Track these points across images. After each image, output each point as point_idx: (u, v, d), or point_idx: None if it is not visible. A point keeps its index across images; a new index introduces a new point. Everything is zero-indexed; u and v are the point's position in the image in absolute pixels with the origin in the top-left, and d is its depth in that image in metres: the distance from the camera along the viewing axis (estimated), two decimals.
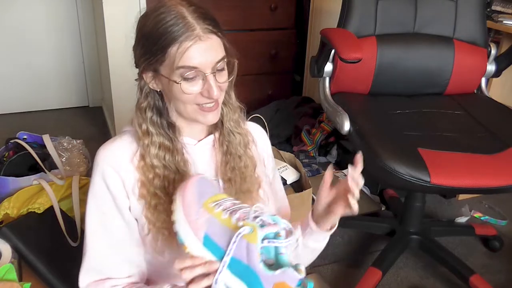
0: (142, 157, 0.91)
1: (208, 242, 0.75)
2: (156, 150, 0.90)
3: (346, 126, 1.53)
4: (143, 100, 0.92)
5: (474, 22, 1.77)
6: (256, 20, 2.70)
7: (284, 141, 2.54)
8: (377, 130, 1.50)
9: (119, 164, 0.91)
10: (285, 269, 0.71)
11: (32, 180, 1.53)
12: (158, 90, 0.91)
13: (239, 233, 0.72)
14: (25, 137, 1.69)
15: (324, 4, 2.69)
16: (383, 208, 2.10)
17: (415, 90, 1.78)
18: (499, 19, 1.95)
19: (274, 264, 0.75)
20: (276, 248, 0.75)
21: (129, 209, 0.93)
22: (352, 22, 1.71)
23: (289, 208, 1.15)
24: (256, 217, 0.75)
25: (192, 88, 0.85)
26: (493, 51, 1.80)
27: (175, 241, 0.84)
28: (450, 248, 1.79)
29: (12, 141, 1.65)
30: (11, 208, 1.43)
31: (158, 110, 0.93)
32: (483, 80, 1.83)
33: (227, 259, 0.73)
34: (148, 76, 0.89)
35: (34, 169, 1.59)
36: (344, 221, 1.89)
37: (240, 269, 0.73)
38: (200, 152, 0.97)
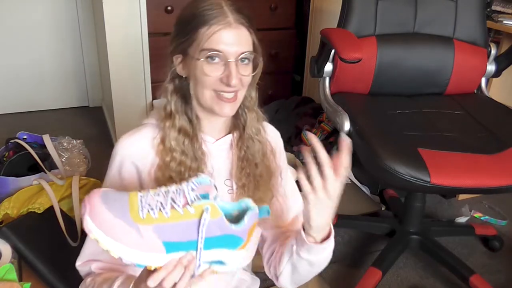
0: (162, 140, 0.93)
1: (170, 247, 0.72)
2: (176, 134, 0.92)
3: (346, 126, 1.53)
4: (169, 82, 0.93)
5: (474, 22, 1.77)
6: (256, 20, 2.69)
7: (284, 141, 2.54)
8: (377, 130, 1.50)
9: (138, 155, 0.92)
10: (247, 214, 0.74)
11: (32, 180, 1.53)
12: (184, 76, 0.92)
13: (204, 219, 0.70)
14: (25, 137, 1.69)
15: (324, 4, 2.69)
16: (383, 208, 2.10)
17: (415, 90, 1.78)
18: (499, 19, 1.95)
19: (232, 219, 0.76)
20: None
21: None
22: (352, 22, 1.71)
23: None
24: (196, 193, 0.73)
25: (213, 70, 0.86)
26: (493, 51, 1.80)
27: None
28: (450, 248, 1.79)
29: (12, 141, 1.66)
30: (11, 208, 1.43)
31: (183, 96, 0.94)
32: (483, 80, 1.83)
33: (201, 245, 0.71)
34: (177, 59, 0.91)
35: (34, 169, 1.59)
36: (344, 221, 1.91)
37: (215, 241, 0.72)
38: (217, 151, 0.97)
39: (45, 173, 1.54)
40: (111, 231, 0.69)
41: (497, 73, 1.82)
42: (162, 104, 0.94)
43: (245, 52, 0.87)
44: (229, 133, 0.99)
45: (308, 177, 0.81)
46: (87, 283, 0.93)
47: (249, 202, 0.76)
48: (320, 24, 2.67)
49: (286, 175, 1.10)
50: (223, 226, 0.72)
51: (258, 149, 0.99)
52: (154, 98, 2.50)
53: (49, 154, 1.63)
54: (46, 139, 1.67)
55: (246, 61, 0.88)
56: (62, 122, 2.91)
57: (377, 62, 1.71)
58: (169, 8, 2.43)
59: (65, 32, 2.94)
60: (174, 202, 0.72)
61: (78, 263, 0.97)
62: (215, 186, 0.76)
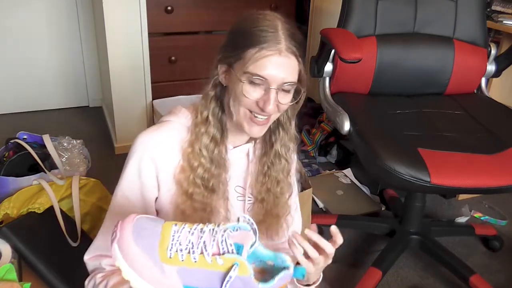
0: (191, 143, 0.93)
1: None
2: (208, 141, 0.92)
3: (346, 126, 1.53)
4: (211, 89, 0.93)
5: (474, 22, 1.77)
6: None
7: None
8: (377, 130, 1.50)
9: (158, 153, 0.92)
10: (280, 275, 0.71)
11: (32, 180, 1.52)
12: (225, 86, 0.92)
13: (230, 277, 0.68)
14: (25, 137, 1.69)
15: (324, 4, 2.69)
16: (383, 208, 2.10)
17: (415, 90, 1.78)
18: (499, 19, 1.96)
19: (265, 268, 0.74)
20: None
21: (155, 201, 0.95)
22: (352, 22, 1.71)
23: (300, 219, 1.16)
24: (231, 241, 0.70)
25: (252, 93, 0.86)
26: (493, 51, 1.80)
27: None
28: (450, 248, 1.79)
29: (12, 141, 1.65)
30: (11, 208, 1.42)
31: (222, 105, 0.94)
32: (483, 80, 1.83)
33: None
34: (222, 68, 0.91)
35: (34, 169, 1.59)
36: (344, 221, 1.91)
37: None
38: (232, 159, 0.98)
39: (45, 173, 1.54)
40: (136, 265, 0.69)
41: (497, 73, 1.82)
42: (195, 105, 0.95)
43: (289, 82, 0.86)
44: (247, 142, 1.00)
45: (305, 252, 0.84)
46: (97, 280, 0.93)
47: (286, 260, 0.74)
48: (320, 24, 2.67)
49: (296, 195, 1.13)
50: (250, 284, 0.70)
51: (283, 167, 1.00)
52: (154, 98, 2.50)
53: (49, 154, 1.63)
54: (46, 139, 1.67)
55: (289, 87, 0.87)
56: (62, 122, 2.91)
57: (377, 62, 1.71)
58: (169, 8, 2.43)
59: (65, 32, 2.94)
60: (205, 248, 0.70)
61: (86, 257, 0.97)
62: (255, 230, 0.74)
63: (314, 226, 0.86)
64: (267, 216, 1.00)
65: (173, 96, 2.49)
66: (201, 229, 0.71)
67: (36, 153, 1.59)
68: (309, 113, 2.67)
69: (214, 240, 0.70)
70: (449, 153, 1.38)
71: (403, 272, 1.75)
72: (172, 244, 0.70)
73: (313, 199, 2.04)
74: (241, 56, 0.86)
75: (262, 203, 1.00)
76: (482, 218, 2.08)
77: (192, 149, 0.92)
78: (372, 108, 1.67)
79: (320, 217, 1.89)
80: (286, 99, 0.88)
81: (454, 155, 1.37)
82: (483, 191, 1.59)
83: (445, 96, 1.79)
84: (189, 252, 0.69)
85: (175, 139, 0.94)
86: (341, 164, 2.41)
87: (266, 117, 0.89)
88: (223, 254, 0.69)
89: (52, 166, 1.62)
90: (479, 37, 1.77)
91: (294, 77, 0.87)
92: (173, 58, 2.50)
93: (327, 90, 1.74)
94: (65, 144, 1.73)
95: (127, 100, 2.45)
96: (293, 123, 0.99)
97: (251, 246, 0.72)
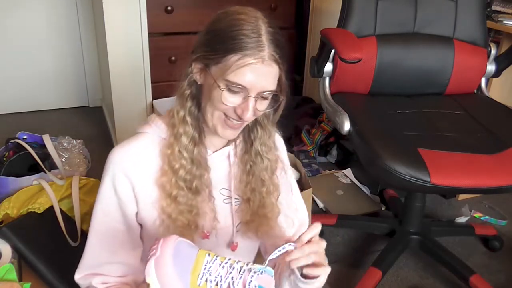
0: (171, 145, 0.91)
1: None
2: (187, 142, 0.90)
3: (346, 126, 1.53)
4: (187, 87, 0.90)
5: (474, 22, 1.77)
6: None
7: (284, 140, 2.54)
8: (377, 130, 1.50)
9: (131, 168, 0.90)
10: None
11: (32, 180, 1.53)
12: (199, 84, 0.90)
13: None
14: (25, 137, 1.69)
15: (324, 4, 2.69)
16: (383, 208, 2.10)
17: (415, 90, 1.78)
18: (499, 19, 1.96)
19: None
20: None
21: (136, 215, 0.94)
22: (352, 22, 1.71)
23: (307, 220, 1.14)
24: (256, 282, 0.72)
25: (231, 99, 0.84)
26: (493, 51, 1.80)
27: (189, 231, 0.86)
28: (450, 248, 1.79)
29: (12, 141, 1.65)
30: (11, 208, 1.43)
31: (198, 103, 0.91)
32: (483, 80, 1.83)
33: None
34: (197, 67, 0.88)
35: (34, 169, 1.59)
36: (344, 221, 1.91)
37: None
38: (213, 163, 0.96)
39: (45, 173, 1.54)
40: (166, 285, 0.71)
41: (497, 73, 1.82)
42: (172, 109, 0.93)
43: (269, 91, 0.85)
44: (226, 145, 0.98)
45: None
46: None
47: None
48: (320, 24, 2.67)
49: (296, 191, 1.11)
50: None
51: (266, 166, 0.98)
52: (154, 98, 2.50)
53: (49, 154, 1.63)
54: (46, 139, 1.67)
55: (267, 95, 0.86)
56: (62, 122, 2.91)
57: (377, 62, 1.71)
58: (169, 8, 2.43)
59: (65, 32, 2.94)
60: (233, 284, 0.72)
61: (77, 276, 0.96)
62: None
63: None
64: (254, 216, 0.98)
65: (173, 96, 2.49)
66: (231, 264, 0.74)
67: (36, 153, 1.59)
68: (309, 113, 2.67)
69: (241, 278, 0.73)
70: (449, 153, 1.38)
71: (403, 272, 1.75)
72: (203, 273, 0.72)
73: (313, 199, 2.04)
74: (220, 60, 0.82)
75: (248, 202, 0.98)
76: (482, 218, 2.08)
77: (172, 150, 0.90)
78: (372, 108, 1.67)
79: (320, 217, 1.89)
80: (263, 106, 0.87)
81: (454, 155, 1.37)
82: (483, 191, 1.59)
83: (445, 96, 1.79)
84: (217, 284, 0.72)
85: (149, 150, 0.92)
86: (341, 164, 2.41)
87: (240, 122, 0.87)
88: None
89: (52, 166, 1.62)
90: (479, 37, 1.77)
91: (273, 86, 0.85)
92: (173, 58, 2.50)
93: (327, 90, 1.74)
94: (65, 144, 1.74)
95: (127, 100, 2.45)
96: (271, 119, 0.97)
97: None
